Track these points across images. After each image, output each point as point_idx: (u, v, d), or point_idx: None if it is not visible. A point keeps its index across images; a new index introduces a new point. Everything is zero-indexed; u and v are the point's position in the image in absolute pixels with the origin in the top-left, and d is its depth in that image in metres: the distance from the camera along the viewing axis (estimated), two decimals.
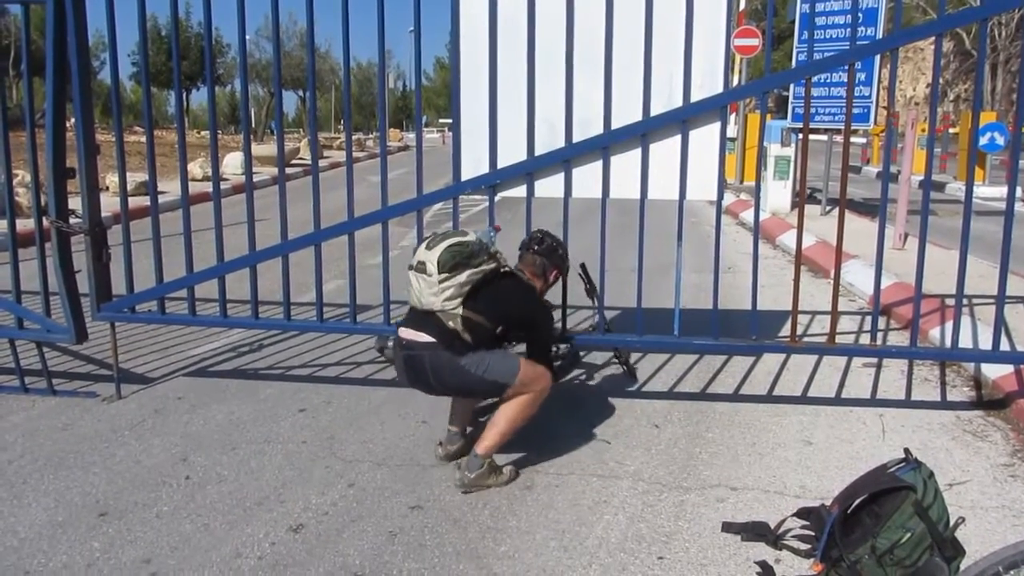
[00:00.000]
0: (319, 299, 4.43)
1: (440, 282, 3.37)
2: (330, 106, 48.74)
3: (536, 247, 3.83)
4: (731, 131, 14.55)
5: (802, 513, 3.03)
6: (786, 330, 5.69)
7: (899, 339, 5.65)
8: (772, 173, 11.13)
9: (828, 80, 9.61)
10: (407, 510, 3.39)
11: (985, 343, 4.28)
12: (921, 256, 4.00)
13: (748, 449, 3.95)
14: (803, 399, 4.58)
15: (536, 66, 3.94)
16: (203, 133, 28.51)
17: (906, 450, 2.83)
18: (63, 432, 4.19)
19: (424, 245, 3.47)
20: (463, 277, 3.38)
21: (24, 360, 4.77)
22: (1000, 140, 10.98)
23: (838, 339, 4.28)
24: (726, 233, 10.44)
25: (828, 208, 10.88)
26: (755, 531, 3.09)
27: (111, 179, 12.21)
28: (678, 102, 3.87)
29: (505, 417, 3.54)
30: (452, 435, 3.79)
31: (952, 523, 2.69)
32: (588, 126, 3.96)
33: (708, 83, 3.84)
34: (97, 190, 4.46)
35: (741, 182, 14.55)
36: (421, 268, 3.42)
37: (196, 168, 15.04)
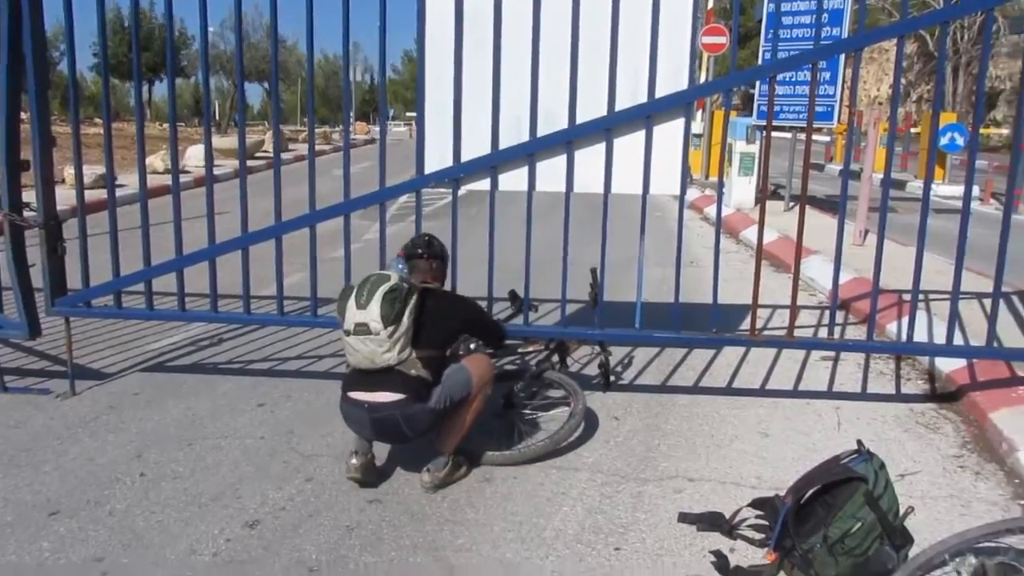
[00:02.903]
0: (279, 292, 4.39)
1: (390, 336, 3.27)
2: (296, 99, 48.27)
3: (425, 252, 3.75)
4: (697, 127, 14.67)
5: (757, 503, 3.08)
6: (747, 324, 5.77)
7: (857, 333, 5.73)
8: (737, 169, 11.24)
9: (793, 79, 9.71)
10: (365, 504, 3.37)
11: (940, 338, 4.35)
12: (879, 252, 4.06)
13: (706, 441, 3.99)
14: (762, 392, 4.63)
15: (502, 60, 3.94)
16: (165, 125, 28.02)
17: (859, 441, 2.88)
18: (14, 430, 4.10)
19: (353, 304, 3.31)
20: (406, 322, 3.31)
21: None
22: (960, 140, 11.18)
23: (797, 333, 4.34)
24: (690, 228, 10.51)
25: (791, 204, 11.00)
26: (711, 521, 3.13)
27: (68, 171, 11.99)
28: (643, 98, 3.89)
29: (466, 414, 3.54)
30: (363, 444, 3.52)
31: (902, 513, 2.74)
32: (553, 120, 3.96)
33: (673, 79, 3.86)
34: (52, 183, 4.38)
35: (707, 177, 14.67)
36: (363, 330, 3.27)
37: (157, 160, 14.79)
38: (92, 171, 10.96)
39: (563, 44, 3.87)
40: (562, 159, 3.98)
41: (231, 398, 4.54)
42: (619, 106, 3.90)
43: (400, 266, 3.51)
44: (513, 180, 4.05)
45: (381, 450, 3.70)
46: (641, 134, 3.90)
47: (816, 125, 10.17)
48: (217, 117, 32.54)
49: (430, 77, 3.98)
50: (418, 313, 3.40)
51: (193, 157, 16.84)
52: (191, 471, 3.67)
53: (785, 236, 8.75)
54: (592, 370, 4.70)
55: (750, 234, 9.37)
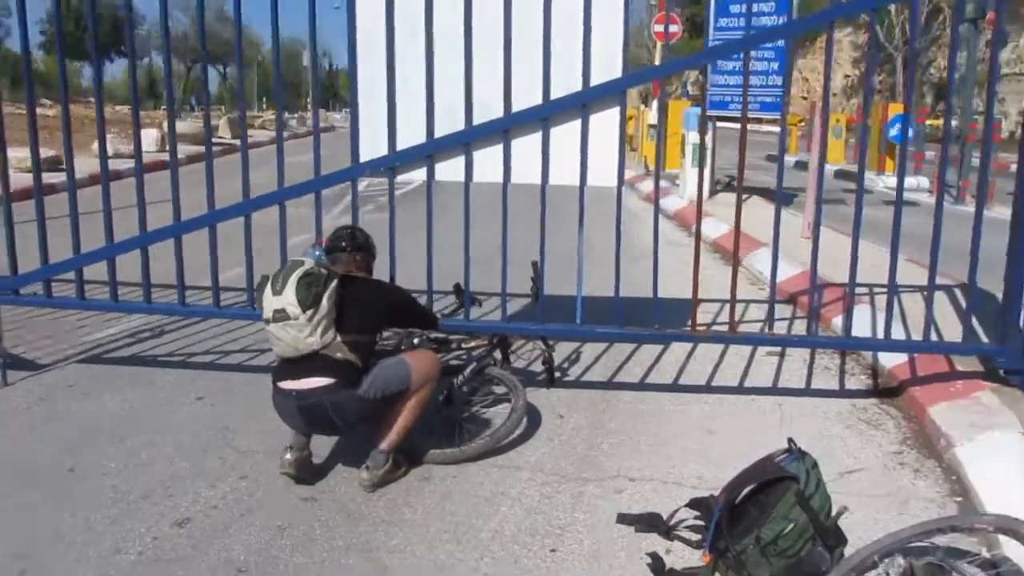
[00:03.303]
0: (215, 284, 4.29)
1: (310, 320, 3.22)
2: (253, 83, 47.47)
3: (347, 245, 3.67)
4: (652, 118, 14.66)
5: (694, 503, 3.07)
6: (698, 319, 5.78)
7: (804, 328, 5.76)
8: (690, 160, 11.27)
9: (741, 69, 9.70)
10: (299, 502, 3.30)
11: (882, 332, 4.39)
12: (815, 244, 4.09)
13: (650, 439, 3.97)
14: (707, 388, 4.63)
15: (435, 48, 3.87)
16: (117, 107, 27.41)
17: (790, 440, 2.87)
18: None
19: (269, 292, 3.27)
20: (326, 305, 3.26)
21: None
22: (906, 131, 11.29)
23: (744, 328, 4.34)
24: (642, 219, 10.49)
25: (745, 196, 11.04)
26: (648, 522, 3.11)
27: (13, 154, 11.62)
28: (578, 87, 3.84)
29: (406, 410, 3.47)
30: (300, 439, 3.46)
31: (835, 512, 2.74)
32: (489, 111, 3.91)
33: (607, 68, 3.82)
34: None
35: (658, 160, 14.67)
36: (282, 316, 3.23)
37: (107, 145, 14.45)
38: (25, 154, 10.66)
39: (496, 31, 3.80)
40: (500, 149, 3.92)
41: (169, 391, 4.42)
42: (555, 96, 3.84)
43: (317, 253, 3.44)
44: (450, 170, 3.99)
45: (321, 447, 3.62)
46: (577, 124, 3.86)
47: (763, 115, 10.24)
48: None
49: (362, 65, 3.91)
50: (340, 299, 3.36)
51: (146, 142, 16.46)
52: (122, 467, 3.57)
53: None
54: (538, 366, 4.67)
55: (705, 228, 9.38)
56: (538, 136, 3.93)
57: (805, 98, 29.94)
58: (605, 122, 3.91)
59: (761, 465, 2.83)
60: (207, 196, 4.24)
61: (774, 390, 4.58)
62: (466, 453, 3.64)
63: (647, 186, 13.16)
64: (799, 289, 6.35)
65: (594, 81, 3.85)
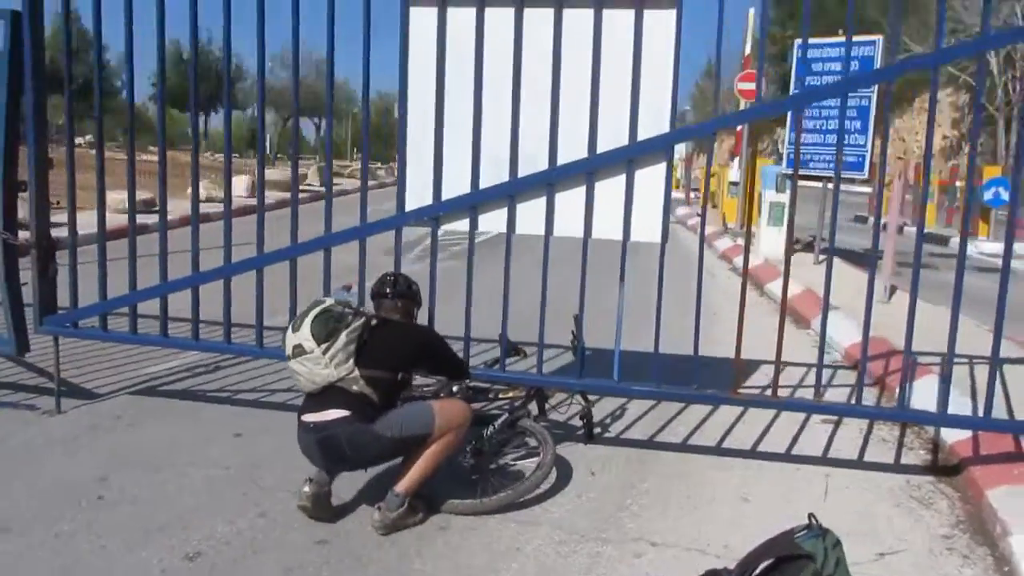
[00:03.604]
0: (259, 323, 4.37)
1: (324, 352, 3.32)
2: (346, 133, 49.23)
3: (390, 291, 3.72)
4: (735, 175, 14.48)
5: (710, 575, 2.91)
6: (754, 380, 5.58)
7: (866, 396, 5.48)
8: (766, 219, 11.02)
9: (824, 127, 9.53)
10: (312, 544, 3.28)
11: (953, 406, 4.12)
12: (868, 304, 3.93)
13: (681, 502, 3.81)
14: (752, 453, 4.43)
15: (484, 99, 3.91)
16: (216, 155, 28.84)
17: (810, 516, 2.70)
18: None
19: (289, 331, 3.42)
20: (343, 338, 3.35)
21: None
22: (1004, 195, 10.78)
23: (802, 393, 4.13)
24: (716, 277, 10.32)
25: (822, 257, 10.70)
26: None
27: (113, 196, 12.35)
28: (625, 141, 3.81)
29: (427, 455, 3.44)
30: (322, 475, 3.46)
31: None
32: (534, 163, 3.91)
33: (655, 122, 3.78)
34: (47, 204, 4.46)
35: (742, 227, 14.39)
36: (299, 352, 3.36)
37: (201, 189, 15.22)
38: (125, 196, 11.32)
39: (545, 83, 3.82)
40: (543, 201, 3.91)
41: (211, 426, 4.51)
42: (601, 149, 3.82)
43: (346, 295, 3.51)
44: (494, 221, 3.99)
45: (345, 488, 3.61)
46: (623, 179, 3.81)
47: (845, 175, 9.92)
48: (268, 150, 33.34)
49: (412, 115, 3.97)
50: (368, 336, 3.43)
51: (237, 188, 17.23)
52: (150, 497, 3.64)
53: (810, 289, 8.51)
54: (577, 420, 4.56)
55: (774, 286, 9.13)
56: (583, 189, 3.90)
57: (901, 158, 29.01)
58: (651, 177, 3.85)
59: (778, 540, 2.66)
60: (257, 239, 4.37)
61: (822, 460, 4.35)
62: (486, 506, 3.56)
63: (723, 243, 12.94)
64: (871, 355, 6.06)
65: (641, 136, 3.81)
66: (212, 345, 4.47)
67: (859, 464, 4.32)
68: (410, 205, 4.06)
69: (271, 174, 19.59)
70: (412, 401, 3.55)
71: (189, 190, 4.53)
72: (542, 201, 3.94)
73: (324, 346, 3.31)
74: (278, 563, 3.13)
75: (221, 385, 5.20)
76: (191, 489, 3.72)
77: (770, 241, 10.91)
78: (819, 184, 10.41)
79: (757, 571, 2.65)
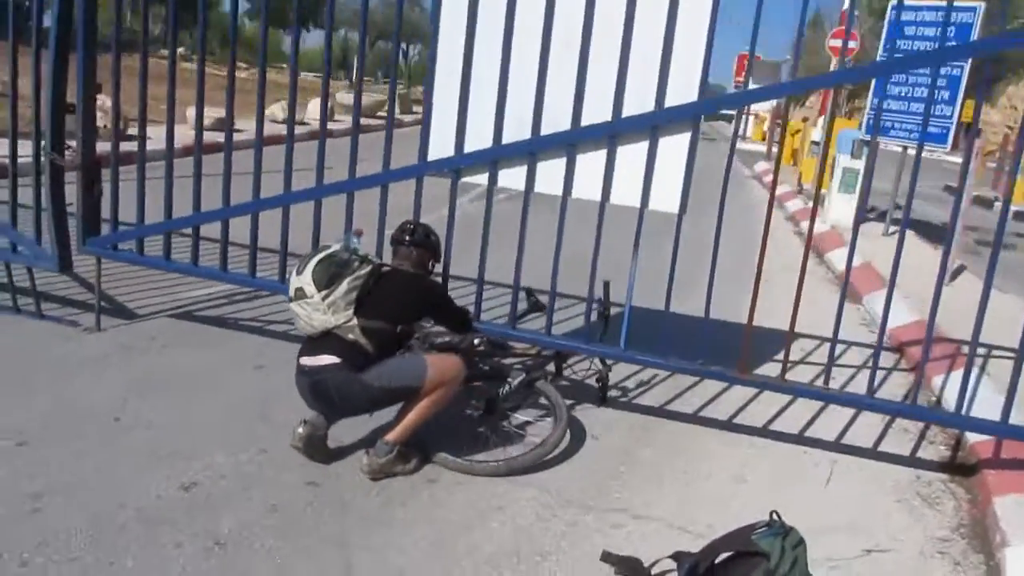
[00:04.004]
0: (283, 259, 4.45)
1: (324, 299, 3.37)
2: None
3: (408, 238, 3.75)
4: (817, 134, 13.89)
5: (676, 556, 2.90)
6: (780, 356, 5.43)
7: (903, 382, 5.30)
8: (838, 185, 10.56)
9: (909, 95, 9.00)
10: (302, 484, 3.40)
11: (986, 403, 3.94)
12: (890, 292, 3.73)
13: (676, 476, 3.80)
14: (763, 431, 4.35)
15: (512, 54, 3.82)
16: (305, 75, 28.97)
17: (773, 513, 2.65)
18: (32, 357, 4.39)
19: (294, 273, 3.48)
20: (344, 286, 3.39)
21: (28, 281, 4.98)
22: None
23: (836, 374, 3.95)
24: (778, 241, 9.99)
25: (893, 229, 10.23)
26: (628, 567, 2.98)
27: (188, 112, 12.67)
28: (651, 108, 3.69)
29: (418, 408, 3.50)
30: (319, 417, 3.53)
31: None
32: (557, 124, 3.83)
33: (684, 90, 3.64)
34: (93, 126, 4.60)
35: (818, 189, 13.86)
36: (300, 295, 3.42)
37: (278, 109, 15.45)
38: (211, 113, 11.54)
39: (575, 43, 3.70)
40: (563, 162, 3.84)
41: (236, 355, 4.67)
42: (626, 114, 3.71)
43: (355, 240, 3.52)
44: (513, 178, 3.95)
45: (347, 432, 3.71)
46: (645, 145, 3.71)
47: (928, 147, 9.40)
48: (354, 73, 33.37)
49: (441, 64, 3.92)
50: (372, 286, 3.47)
51: (312, 111, 17.39)
52: (164, 422, 3.81)
53: (868, 263, 8.19)
54: (593, 382, 4.55)
55: (835, 256, 8.81)
56: (604, 153, 3.81)
57: (1011, 128, 27.23)
58: (675, 146, 3.73)
59: (737, 535, 2.64)
60: (284, 176, 4.42)
61: (834, 445, 4.24)
62: (474, 469, 3.60)
63: (794, 205, 12.51)
64: (910, 339, 5.84)
65: (669, 103, 3.68)
66: (239, 277, 4.58)
67: (871, 453, 4.21)
68: (434, 155, 4.04)
69: (348, 98, 19.72)
70: (411, 352, 3.60)
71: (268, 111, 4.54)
72: (563, 162, 3.87)
73: (324, 292, 3.37)
74: (265, 500, 3.26)
75: (254, 315, 5.36)
76: (203, 419, 3.88)
77: (840, 208, 10.49)
78: (896, 150, 9.89)
79: (715, 562, 2.63)
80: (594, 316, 4.30)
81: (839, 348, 5.76)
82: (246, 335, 5.01)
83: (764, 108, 28.30)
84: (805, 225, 11.08)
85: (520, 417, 4.02)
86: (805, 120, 16.65)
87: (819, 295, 7.43)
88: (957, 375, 4.91)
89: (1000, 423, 3.65)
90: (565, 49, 3.75)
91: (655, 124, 3.69)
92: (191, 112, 13.01)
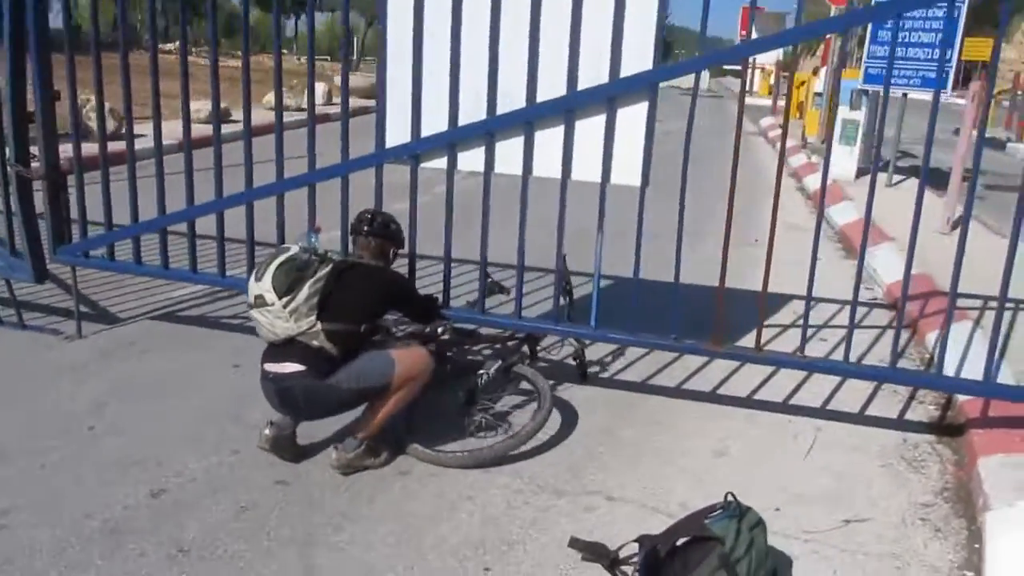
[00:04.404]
0: (250, 256, 4.40)
1: (285, 306, 3.26)
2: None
3: (367, 228, 3.68)
4: (819, 85, 13.59)
5: (640, 540, 2.85)
6: (779, 318, 5.34)
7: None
8: (838, 137, 10.33)
9: (906, 40, 8.74)
10: (271, 484, 3.38)
11: (979, 360, 3.83)
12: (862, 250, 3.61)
13: (655, 454, 3.74)
14: (747, 401, 4.27)
15: (463, 33, 3.72)
16: (302, 59, 28.73)
17: (728, 495, 2.59)
18: (11, 369, 4.39)
19: (252, 279, 3.37)
20: (305, 291, 3.28)
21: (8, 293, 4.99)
22: None
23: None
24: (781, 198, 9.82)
25: (902, 177, 10.02)
26: (594, 552, 2.93)
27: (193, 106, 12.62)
28: (606, 79, 3.58)
29: (387, 403, 3.46)
30: (285, 420, 3.53)
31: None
32: (513, 101, 3.73)
33: (639, 59, 3.52)
34: (55, 135, 4.56)
35: (822, 142, 13.56)
36: (260, 302, 3.30)
37: (272, 96, 15.36)
38: (201, 105, 11.47)
39: (524, 17, 3.59)
40: (522, 140, 3.74)
41: (214, 356, 4.65)
42: (582, 87, 3.61)
43: (312, 239, 3.43)
44: (472, 160, 3.86)
45: (321, 428, 3.67)
46: (603, 119, 3.60)
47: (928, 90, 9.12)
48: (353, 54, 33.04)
49: (392, 51, 3.82)
50: (333, 285, 3.37)
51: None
52: (137, 429, 3.80)
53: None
54: (571, 360, 4.49)
55: (835, 212, 8.63)
56: (561, 129, 3.71)
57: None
58: (632, 117, 3.62)
59: (693, 518, 2.58)
60: (245, 171, 4.36)
61: (820, 411, 4.16)
62: (442, 460, 3.56)
63: (798, 160, 12.27)
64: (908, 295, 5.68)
65: (624, 73, 3.57)
66: (209, 278, 4.55)
67: (858, 418, 4.12)
68: (392, 141, 3.96)
69: (353, 80, 19.56)
70: (374, 350, 3.54)
71: (265, 98, 4.44)
72: (521, 140, 3.77)
73: (285, 299, 3.27)
74: (235, 502, 3.24)
75: (235, 311, 5.31)
76: (177, 423, 3.87)
77: (840, 161, 10.26)
78: (914, 96, 9.54)
79: (677, 545, 2.58)
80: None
81: (833, 309, 5.73)
82: (225, 334, 4.98)
83: (770, 61, 27.71)
84: (808, 181, 10.96)
85: (504, 405, 3.96)
86: (816, 71, 16.27)
87: (820, 254, 7.28)
88: (951, 331, 4.84)
89: (982, 382, 3.54)
90: (516, 23, 3.64)
91: (611, 95, 3.57)
92: (194, 105, 13.12)
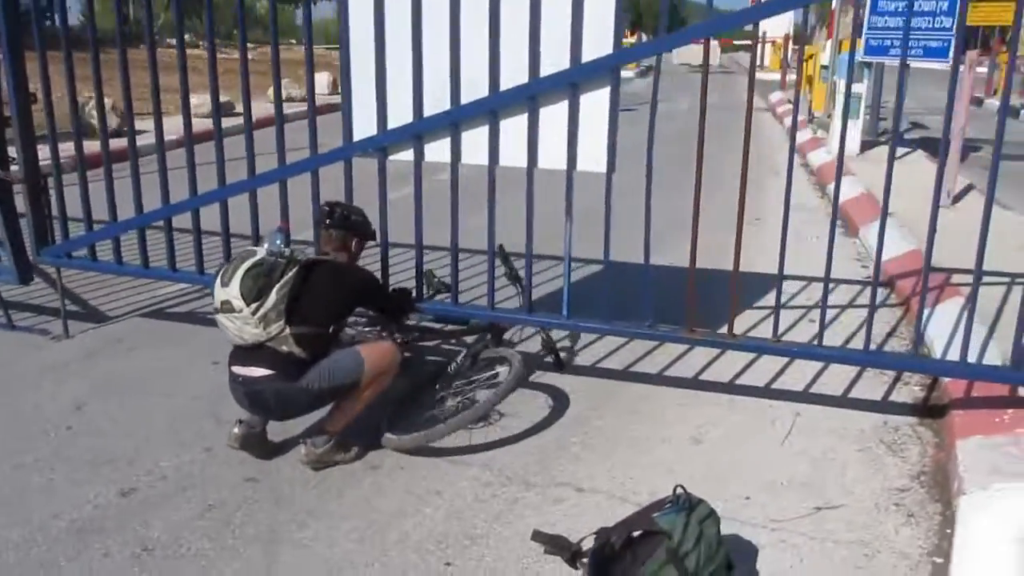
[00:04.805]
0: (226, 254, 4.40)
1: (253, 313, 3.22)
2: None
3: (328, 221, 3.64)
4: (826, 58, 13.35)
5: (600, 532, 2.82)
6: (766, 301, 5.25)
7: (890, 318, 5.10)
8: (838, 111, 10.13)
9: (904, 9, 8.54)
10: (240, 482, 3.39)
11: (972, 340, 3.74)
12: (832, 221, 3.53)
13: (630, 443, 3.70)
14: (729, 387, 4.21)
15: (423, 23, 3.67)
16: (326, 48, 28.53)
17: (677, 487, 2.54)
18: None
19: (219, 283, 3.30)
20: (273, 298, 3.23)
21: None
22: None
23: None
24: (780, 175, 9.66)
25: (908, 150, 9.83)
26: (556, 545, 2.89)
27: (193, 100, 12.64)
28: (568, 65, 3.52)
29: (357, 399, 3.46)
30: (254, 418, 3.52)
31: (722, 568, 2.43)
32: (476, 89, 3.68)
33: (598, 43, 3.45)
34: (33, 138, 4.58)
35: (828, 116, 13.34)
36: (227, 308, 3.25)
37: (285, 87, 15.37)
38: (203, 100, 11.45)
39: (484, 6, 3.53)
40: (487, 130, 3.70)
41: (195, 353, 4.65)
42: (544, 74, 3.55)
43: (278, 240, 3.38)
44: (439, 151, 3.82)
45: (295, 423, 3.65)
46: (566, 105, 3.54)
47: (931, 60, 8.92)
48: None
49: (354, 41, 3.78)
50: (299, 287, 3.33)
51: (320, 85, 17.25)
52: (114, 428, 3.82)
53: (869, 192, 7.87)
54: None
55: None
56: (526, 117, 3.66)
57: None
58: (595, 103, 3.55)
59: (644, 512, 2.55)
60: (217, 171, 4.35)
61: (802, 395, 4.09)
62: (402, 444, 3.53)
63: (803, 135, 12.07)
64: (901, 272, 5.60)
65: (586, 58, 3.51)
66: (188, 276, 4.56)
67: (841, 400, 4.05)
68: (359, 134, 3.93)
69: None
70: (342, 347, 3.53)
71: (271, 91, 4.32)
72: (486, 130, 3.73)
73: (254, 306, 3.22)
74: (203, 500, 3.25)
75: None
76: (153, 420, 3.89)
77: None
78: (927, 65, 9.30)
79: (633, 536, 2.55)
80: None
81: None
82: (210, 329, 4.92)
83: (780, 34, 27.30)
84: (811, 157, 10.79)
85: (480, 393, 3.92)
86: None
87: (816, 231, 7.19)
88: (941, 309, 4.76)
89: (959, 363, 3.46)
90: (475, 11, 3.58)
91: (572, 81, 3.51)
92: (194, 100, 13.12)
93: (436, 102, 3.76)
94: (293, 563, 2.89)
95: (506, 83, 3.64)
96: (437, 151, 3.84)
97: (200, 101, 11.30)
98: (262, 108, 9.03)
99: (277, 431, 3.63)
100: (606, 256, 3.81)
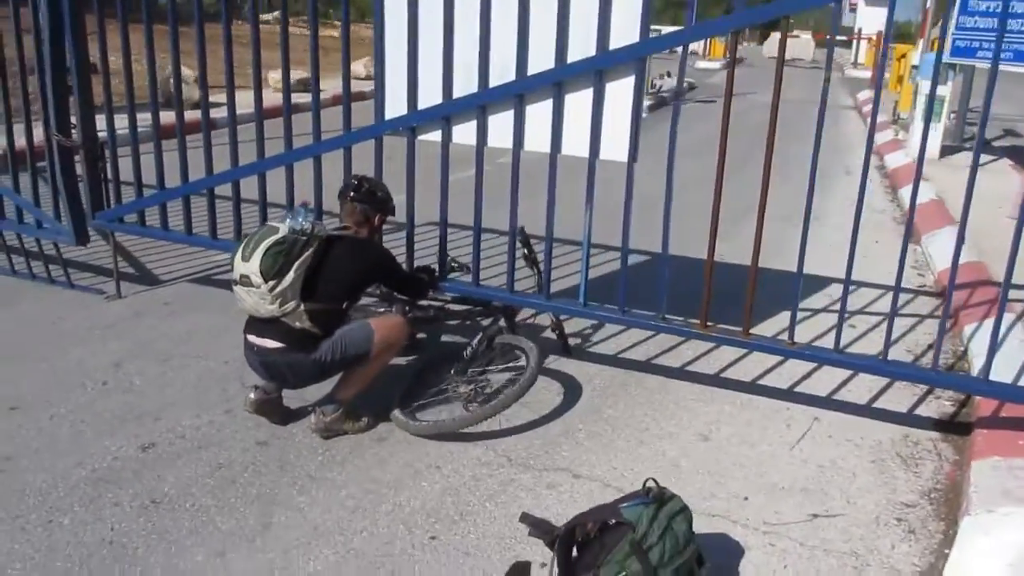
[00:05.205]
0: (262, 223, 4.54)
1: (271, 290, 3.31)
2: None
3: (353, 194, 3.69)
4: (917, 58, 12.77)
5: (575, 520, 2.83)
6: (813, 302, 5.13)
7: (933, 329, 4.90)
8: (919, 113, 9.72)
9: (996, 10, 8.11)
10: (252, 444, 3.52)
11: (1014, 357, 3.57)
12: (856, 227, 3.43)
13: (635, 434, 3.68)
14: (750, 386, 4.14)
15: (455, 6, 3.70)
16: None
17: (648, 480, 2.53)
18: (49, 326, 4.70)
19: (239, 256, 3.37)
20: (291, 276, 3.32)
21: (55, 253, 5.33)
22: None
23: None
24: (852, 174, 9.38)
25: (993, 158, 9.35)
26: (541, 529, 2.91)
27: (272, 76, 13.02)
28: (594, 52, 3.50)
29: (367, 369, 3.56)
30: (271, 384, 3.63)
31: (690, 563, 2.41)
32: (506, 74, 3.70)
33: (626, 31, 3.42)
34: (92, 106, 4.81)
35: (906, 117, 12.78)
36: (246, 282, 3.34)
37: (360, 66, 15.68)
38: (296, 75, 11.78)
39: None
40: (513, 114, 3.72)
41: (235, 319, 4.74)
42: (571, 60, 3.54)
43: (300, 217, 3.46)
44: (467, 133, 3.86)
45: (312, 389, 3.74)
46: (591, 92, 3.53)
47: (1018, 66, 8.47)
48: None
49: (389, 23, 3.84)
50: (318, 263, 3.43)
51: (355, 70, 17.45)
52: (147, 386, 4.01)
53: (939, 200, 7.55)
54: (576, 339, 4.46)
55: (909, 193, 8.14)
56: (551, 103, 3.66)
57: None
58: (619, 91, 3.53)
59: (613, 503, 2.54)
60: (256, 147, 4.49)
61: (825, 401, 3.99)
62: (409, 427, 3.60)
63: (884, 136, 11.61)
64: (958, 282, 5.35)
65: (613, 46, 3.48)
66: (227, 245, 4.71)
67: (864, 409, 3.93)
68: (390, 114, 4.00)
69: None
70: (353, 320, 3.62)
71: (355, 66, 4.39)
72: (512, 114, 3.74)
73: (272, 283, 3.32)
74: (213, 460, 3.39)
75: None
76: (183, 381, 4.07)
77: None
78: (1004, 68, 8.87)
79: (603, 527, 2.55)
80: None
81: (875, 294, 5.45)
82: None
83: (875, 32, 26.22)
84: (888, 159, 10.39)
85: (496, 377, 3.95)
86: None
87: (878, 236, 6.97)
88: (989, 325, 4.55)
89: (979, 379, 3.32)
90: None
91: (598, 68, 3.49)
92: (273, 75, 13.42)
93: (464, 87, 3.79)
94: (284, 524, 3.00)
95: (534, 69, 3.64)
96: (464, 133, 3.88)
97: (279, 77, 11.68)
98: (333, 86, 9.18)
99: (294, 398, 3.76)
100: (624, 246, 3.78)
